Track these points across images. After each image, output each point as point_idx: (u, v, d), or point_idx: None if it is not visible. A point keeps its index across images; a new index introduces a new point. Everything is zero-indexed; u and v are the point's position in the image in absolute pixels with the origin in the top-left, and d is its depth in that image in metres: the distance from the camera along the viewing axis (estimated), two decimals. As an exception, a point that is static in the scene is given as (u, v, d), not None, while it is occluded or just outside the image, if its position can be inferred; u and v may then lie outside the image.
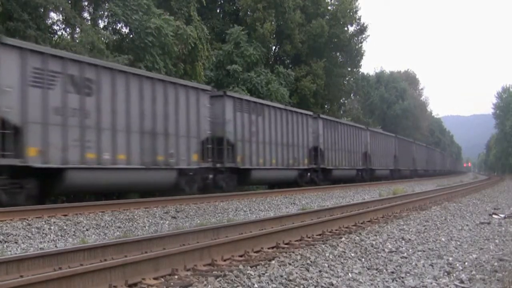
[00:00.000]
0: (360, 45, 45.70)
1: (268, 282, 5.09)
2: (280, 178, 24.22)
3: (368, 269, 6.16)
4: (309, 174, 27.12)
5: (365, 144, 35.91)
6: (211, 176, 18.72)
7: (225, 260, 6.19)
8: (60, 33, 21.62)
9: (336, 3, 42.09)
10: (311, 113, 28.01)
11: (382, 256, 6.98)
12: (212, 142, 18.83)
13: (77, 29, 20.91)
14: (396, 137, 46.59)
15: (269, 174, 22.93)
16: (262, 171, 22.05)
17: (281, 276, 5.31)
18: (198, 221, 11.00)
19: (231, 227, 8.56)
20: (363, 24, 45.32)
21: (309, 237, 8.22)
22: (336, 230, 9.14)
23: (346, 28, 42.72)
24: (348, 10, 41.65)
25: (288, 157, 24.26)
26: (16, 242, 8.07)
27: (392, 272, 6.00)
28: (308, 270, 5.71)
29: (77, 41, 19.81)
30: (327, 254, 6.70)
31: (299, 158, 25.41)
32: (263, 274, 5.36)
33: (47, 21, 20.13)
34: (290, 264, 5.94)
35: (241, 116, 20.38)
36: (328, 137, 28.95)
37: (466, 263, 6.62)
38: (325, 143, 28.40)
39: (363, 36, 45.58)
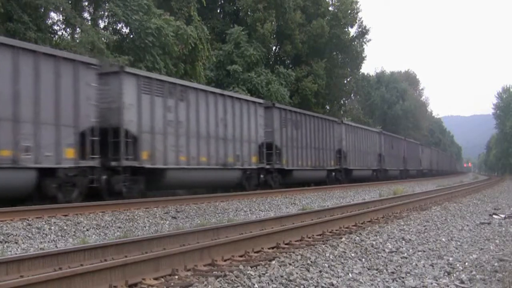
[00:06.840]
0: (361, 48, 45.69)
1: (268, 282, 5.09)
2: (363, 175, 34.90)
3: (369, 269, 6.16)
4: (376, 173, 37.66)
5: (404, 151, 48.54)
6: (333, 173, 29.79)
7: (225, 260, 6.19)
8: (61, 33, 21.66)
9: (337, 3, 42.05)
10: (377, 129, 40.03)
11: (382, 256, 6.98)
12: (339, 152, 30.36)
13: (78, 29, 20.91)
14: (420, 145, 59.21)
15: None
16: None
17: (282, 276, 5.32)
18: (198, 221, 10.99)
19: (231, 227, 8.56)
20: (365, 26, 45.32)
21: (310, 237, 8.21)
22: (336, 230, 9.14)
23: (346, 29, 42.68)
24: (349, 11, 41.61)
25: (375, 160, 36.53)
26: (16, 242, 8.07)
27: (393, 272, 6.00)
28: (308, 270, 5.71)
29: (77, 41, 19.81)
30: (327, 254, 6.70)
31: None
32: (264, 274, 5.36)
33: (47, 21, 20.13)
34: (290, 264, 5.93)
35: (349, 135, 31.20)
36: (387, 147, 40.91)
37: (466, 263, 6.62)
38: (385, 151, 40.02)
39: (364, 39, 45.56)
